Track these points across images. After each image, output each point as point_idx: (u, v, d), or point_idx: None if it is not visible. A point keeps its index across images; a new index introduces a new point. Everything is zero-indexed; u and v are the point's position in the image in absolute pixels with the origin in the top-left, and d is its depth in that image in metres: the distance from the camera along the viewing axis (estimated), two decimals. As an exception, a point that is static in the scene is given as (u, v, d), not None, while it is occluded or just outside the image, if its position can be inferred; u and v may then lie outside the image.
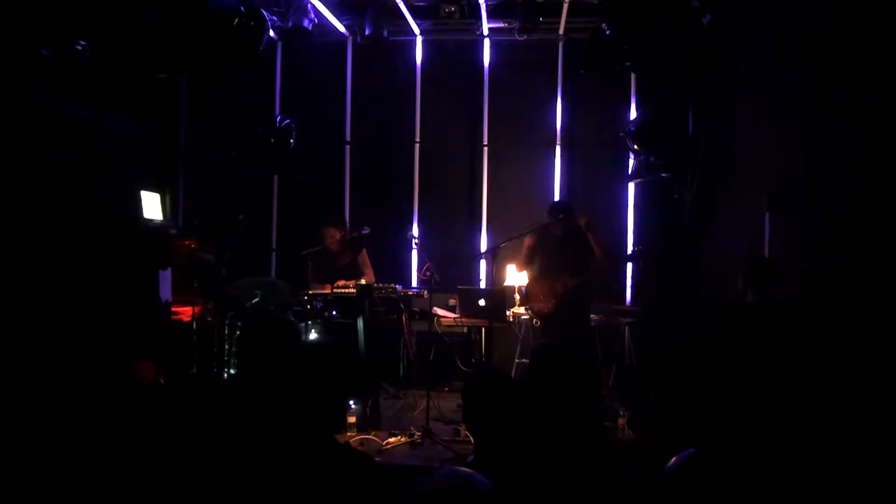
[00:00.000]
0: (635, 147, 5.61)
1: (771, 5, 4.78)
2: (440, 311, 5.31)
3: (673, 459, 1.87)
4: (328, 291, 4.84)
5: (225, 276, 4.96)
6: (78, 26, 4.37)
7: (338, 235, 5.22)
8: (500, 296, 4.83)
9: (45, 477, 2.97)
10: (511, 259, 5.72)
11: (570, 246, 4.70)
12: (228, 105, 6.15)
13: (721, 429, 3.69)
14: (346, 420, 4.25)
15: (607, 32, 5.20)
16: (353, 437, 4.16)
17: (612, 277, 5.76)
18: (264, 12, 5.23)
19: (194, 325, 4.57)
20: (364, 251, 5.34)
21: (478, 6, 5.91)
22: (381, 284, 4.91)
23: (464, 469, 1.62)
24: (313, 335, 4.75)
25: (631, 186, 6.13)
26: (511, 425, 2.46)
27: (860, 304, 3.82)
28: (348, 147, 6.55)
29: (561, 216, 4.69)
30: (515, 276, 5.74)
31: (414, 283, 5.96)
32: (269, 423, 3.42)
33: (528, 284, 5.01)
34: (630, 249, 6.02)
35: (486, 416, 2.50)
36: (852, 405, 3.51)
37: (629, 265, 6.04)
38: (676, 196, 5.70)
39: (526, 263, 4.94)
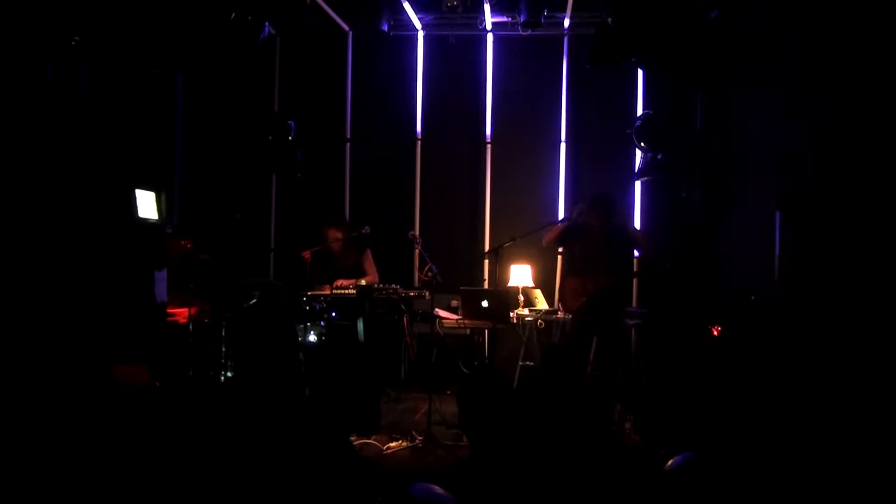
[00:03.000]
0: (642, 144, 5.52)
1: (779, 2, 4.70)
2: (442, 313, 5.24)
3: (670, 461, 1.86)
4: (328, 292, 4.77)
5: (222, 276, 4.88)
6: (72, 22, 4.28)
7: (340, 236, 5.15)
8: (504, 297, 4.74)
9: (36, 478, 2.90)
10: (514, 259, 5.64)
11: (608, 244, 4.60)
12: (226, 101, 6.06)
13: (726, 430, 3.63)
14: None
15: (613, 27, 5.09)
16: (353, 442, 4.09)
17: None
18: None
19: (190, 327, 4.50)
20: (368, 251, 5.27)
21: (480, 0, 5.80)
22: (381, 285, 4.84)
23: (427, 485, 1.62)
24: (312, 337, 4.67)
25: (637, 185, 6.03)
26: (507, 428, 2.41)
27: (869, 302, 3.76)
28: (348, 145, 6.46)
29: (600, 212, 4.60)
30: (519, 277, 5.65)
31: (415, 284, 5.86)
32: (275, 425, 3.37)
33: (560, 280, 4.92)
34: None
35: (483, 418, 2.45)
36: (861, 404, 3.45)
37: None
38: (684, 195, 5.61)
39: (557, 239, 4.80)
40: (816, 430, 3.48)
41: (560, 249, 5.57)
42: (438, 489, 1.66)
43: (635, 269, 5.35)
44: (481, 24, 6.15)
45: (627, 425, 4.33)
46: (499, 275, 4.88)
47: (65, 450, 3.24)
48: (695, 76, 5.37)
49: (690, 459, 1.88)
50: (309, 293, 4.85)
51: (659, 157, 5.49)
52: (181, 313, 4.61)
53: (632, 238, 4.60)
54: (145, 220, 4.62)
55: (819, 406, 3.65)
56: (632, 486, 2.45)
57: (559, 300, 4.96)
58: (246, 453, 3.04)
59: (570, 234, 4.77)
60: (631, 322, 5.35)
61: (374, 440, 4.13)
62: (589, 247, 4.64)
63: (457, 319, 5.13)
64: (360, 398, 4.44)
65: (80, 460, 3.11)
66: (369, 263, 5.28)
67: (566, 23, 6.03)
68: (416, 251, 5.96)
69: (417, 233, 5.97)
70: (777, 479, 2.82)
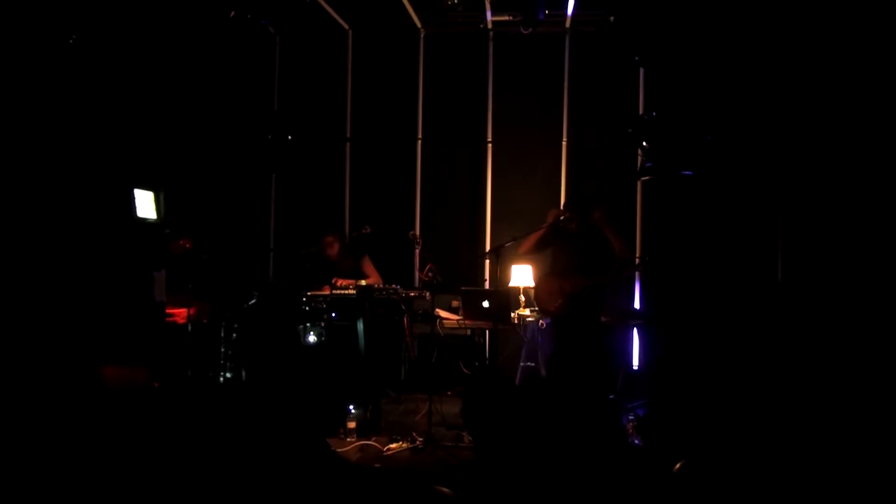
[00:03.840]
0: (644, 144, 5.47)
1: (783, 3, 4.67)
2: (443, 313, 5.21)
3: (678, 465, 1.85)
4: (327, 293, 4.74)
5: (221, 276, 4.85)
6: (68, 18, 4.25)
7: (336, 244, 5.14)
8: (505, 297, 4.70)
9: (32, 479, 2.88)
10: (516, 259, 5.60)
11: (585, 245, 4.55)
12: (226, 100, 6.02)
13: (729, 430, 3.62)
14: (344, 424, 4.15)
15: (615, 25, 5.06)
16: (353, 443, 4.08)
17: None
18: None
19: (189, 328, 4.47)
20: (367, 256, 5.24)
21: (482, -2, 5.78)
22: (381, 285, 4.80)
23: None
24: (312, 338, 4.64)
25: (639, 185, 5.99)
26: (511, 427, 2.38)
27: (874, 301, 3.74)
28: (348, 144, 6.43)
29: (576, 211, 4.54)
30: (520, 277, 5.61)
31: (416, 284, 5.83)
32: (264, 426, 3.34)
33: (536, 282, 4.85)
34: (639, 252, 5.88)
35: (487, 417, 2.43)
36: (866, 407, 3.43)
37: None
38: (687, 195, 5.58)
39: (533, 249, 4.75)
40: (819, 431, 3.46)
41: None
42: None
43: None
44: (482, 23, 6.11)
45: (629, 426, 4.29)
46: (500, 275, 4.84)
47: (61, 451, 3.22)
48: (698, 74, 5.34)
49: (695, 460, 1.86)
50: (309, 293, 4.82)
51: (661, 156, 5.45)
52: (180, 314, 4.59)
53: (606, 237, 4.52)
54: (144, 220, 4.60)
55: (823, 407, 3.63)
56: (636, 486, 2.43)
57: (535, 300, 4.87)
58: (245, 454, 3.02)
59: (546, 241, 4.72)
60: (632, 322, 5.32)
61: (374, 441, 4.10)
62: (566, 248, 4.58)
63: (457, 320, 5.10)
64: (360, 399, 4.41)
65: (76, 461, 3.09)
66: (369, 268, 5.25)
67: (568, 21, 5.99)
68: (417, 251, 5.93)
69: (418, 233, 5.94)
70: (779, 479, 2.80)
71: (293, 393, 4.49)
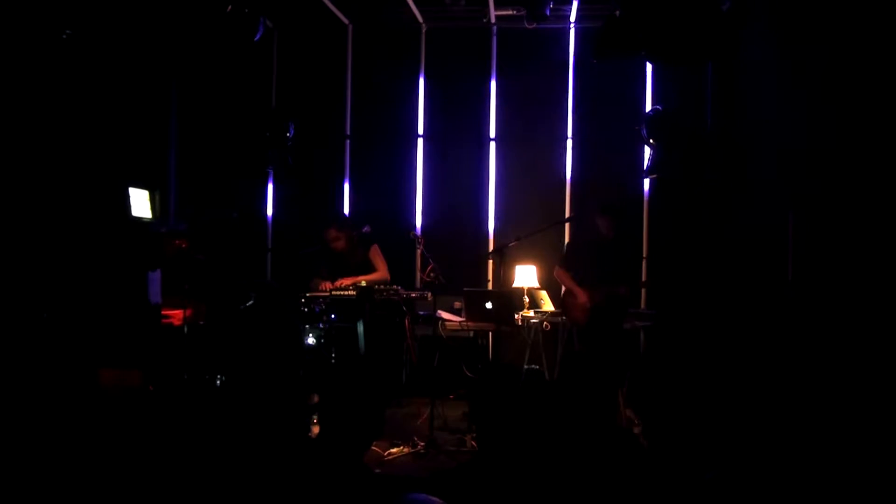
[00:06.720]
0: (651, 141, 5.38)
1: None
2: (445, 315, 5.14)
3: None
4: (326, 293, 4.66)
5: (218, 277, 4.78)
6: (64, 15, 4.18)
7: (341, 235, 4.99)
8: (508, 298, 4.65)
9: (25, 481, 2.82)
10: (518, 259, 5.52)
11: (618, 252, 4.54)
12: (222, 97, 5.95)
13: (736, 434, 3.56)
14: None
15: (621, 20, 4.97)
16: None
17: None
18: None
19: (185, 329, 4.40)
20: (375, 246, 5.11)
21: (485, -7, 5.69)
22: (382, 286, 4.70)
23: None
24: (311, 340, 4.56)
25: (646, 183, 5.91)
26: (521, 426, 2.32)
27: (884, 303, 3.67)
28: (348, 142, 6.34)
29: (615, 218, 4.59)
30: (524, 278, 5.53)
31: (417, 285, 5.74)
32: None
33: (566, 290, 4.81)
34: (644, 253, 5.82)
35: (495, 414, 2.36)
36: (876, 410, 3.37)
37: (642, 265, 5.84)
38: (694, 194, 5.49)
39: (569, 265, 4.77)
40: (830, 434, 3.40)
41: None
42: (433, 498, 1.57)
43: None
44: (485, 18, 6.03)
45: (636, 430, 4.23)
46: (503, 276, 4.74)
47: (54, 455, 3.16)
48: (706, 70, 5.26)
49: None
50: (308, 294, 4.73)
51: (668, 153, 5.36)
52: (176, 315, 4.54)
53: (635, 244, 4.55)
54: (139, 220, 4.56)
55: (834, 409, 3.56)
56: (641, 491, 2.38)
57: (562, 308, 4.85)
58: (243, 459, 2.97)
59: (578, 254, 4.68)
60: (639, 324, 5.23)
61: (374, 446, 4.01)
62: (599, 256, 4.57)
63: (460, 321, 5.03)
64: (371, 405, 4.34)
65: (70, 464, 3.03)
66: (379, 259, 5.10)
67: (573, 15, 5.91)
68: (418, 251, 5.83)
69: (419, 232, 5.86)
70: (786, 482, 2.74)
71: (290, 395, 4.42)
